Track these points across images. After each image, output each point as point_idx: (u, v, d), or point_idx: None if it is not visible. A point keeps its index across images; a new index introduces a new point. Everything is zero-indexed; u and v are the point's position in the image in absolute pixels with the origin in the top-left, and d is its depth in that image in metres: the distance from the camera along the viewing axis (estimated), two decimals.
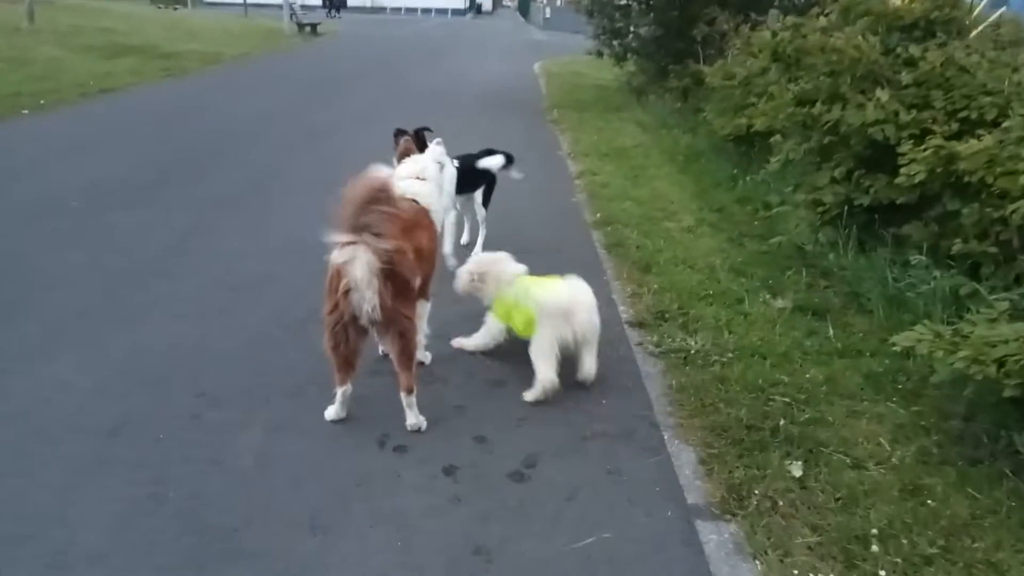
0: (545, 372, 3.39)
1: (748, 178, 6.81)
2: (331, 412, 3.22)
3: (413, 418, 3.16)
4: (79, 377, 3.43)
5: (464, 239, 5.53)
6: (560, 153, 8.83)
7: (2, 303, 4.14)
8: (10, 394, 3.27)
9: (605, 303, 4.42)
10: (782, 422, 3.23)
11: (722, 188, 6.95)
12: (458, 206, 5.28)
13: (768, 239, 5.39)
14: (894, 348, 3.22)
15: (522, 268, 3.82)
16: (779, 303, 4.43)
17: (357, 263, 2.77)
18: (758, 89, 7.22)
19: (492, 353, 3.83)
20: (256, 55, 18.93)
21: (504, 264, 3.82)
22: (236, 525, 2.59)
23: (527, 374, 3.60)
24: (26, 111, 10.03)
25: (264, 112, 10.87)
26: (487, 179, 5.38)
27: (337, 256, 2.78)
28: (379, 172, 2.80)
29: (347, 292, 2.87)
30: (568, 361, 3.52)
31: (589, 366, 3.52)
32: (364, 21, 35.24)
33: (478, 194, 5.35)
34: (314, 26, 25.27)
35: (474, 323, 4.13)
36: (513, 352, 3.81)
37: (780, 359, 3.78)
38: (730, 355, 3.82)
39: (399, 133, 5.02)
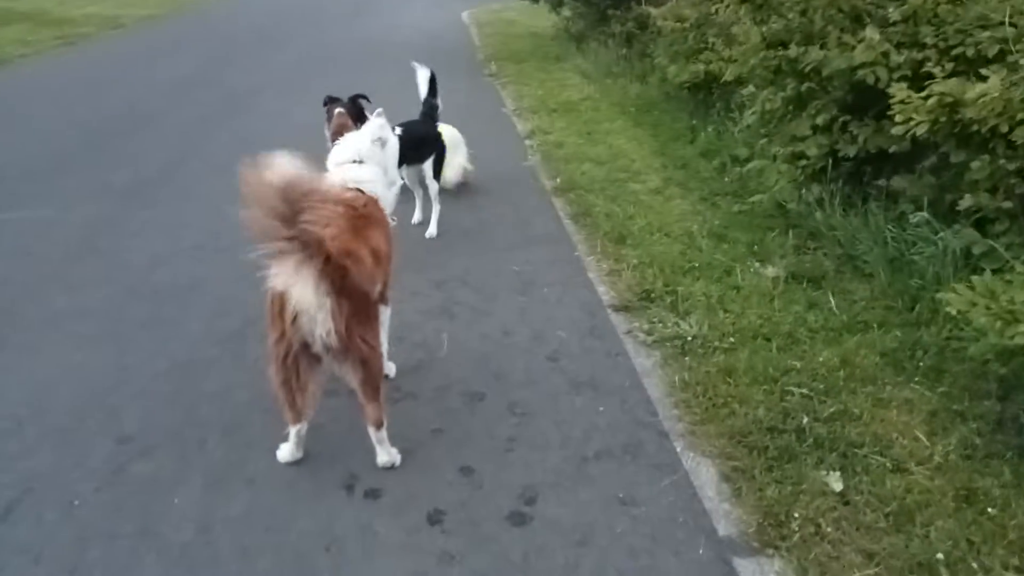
0: None
1: (710, 129, 6.37)
2: (284, 453, 2.69)
3: (385, 455, 2.65)
4: None
5: (415, 218, 4.95)
6: (504, 110, 8.24)
7: None
8: None
9: (581, 285, 3.99)
10: (806, 420, 2.84)
11: (682, 141, 6.50)
12: (403, 178, 4.69)
13: (744, 197, 4.98)
14: (904, 317, 2.85)
15: None
16: (770, 271, 4.03)
17: (301, 282, 2.21)
18: (714, 31, 6.78)
19: (466, 360, 3.34)
20: (164, 17, 17.55)
21: None
22: None
23: (509, 383, 3.14)
24: None
25: (175, 82, 9.88)
26: (436, 148, 4.79)
27: (275, 275, 2.22)
28: (284, 161, 2.17)
29: (295, 317, 2.33)
30: (567, 372, 3.06)
31: None
32: None
33: (427, 165, 4.74)
34: None
35: (438, 318, 3.63)
36: (490, 359, 3.34)
37: (786, 340, 3.39)
38: (731, 340, 3.41)
39: (330, 101, 4.39)
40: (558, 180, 5.69)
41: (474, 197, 5.43)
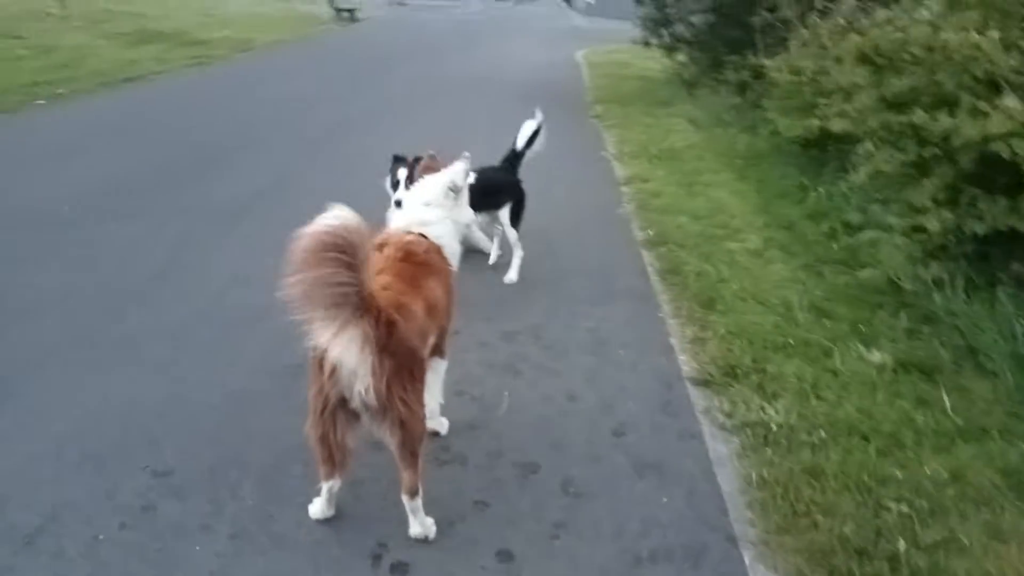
0: None
1: (821, 189, 5.94)
2: (315, 509, 2.52)
3: (418, 527, 2.44)
4: (9, 449, 2.78)
5: (492, 259, 4.78)
6: (604, 154, 8.03)
7: None
8: None
9: (660, 350, 3.69)
10: (903, 545, 2.44)
11: (789, 200, 6.08)
12: (476, 227, 4.53)
13: (853, 268, 4.55)
14: None
15: None
16: (876, 357, 3.61)
17: (345, 340, 2.05)
18: (830, 86, 6.36)
19: (524, 424, 3.10)
20: (290, 42, 18.35)
21: None
22: None
23: (567, 456, 2.88)
24: (42, 101, 9.53)
25: (291, 103, 10.21)
26: (513, 195, 4.60)
27: (319, 331, 2.06)
28: (340, 214, 2.03)
29: (333, 371, 2.17)
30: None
31: None
32: (404, 6, 34.47)
33: (503, 213, 4.56)
34: (352, 11, 24.59)
35: (502, 374, 3.42)
36: (550, 425, 3.09)
37: (887, 442, 2.98)
38: (822, 434, 3.03)
39: (398, 161, 4.22)
40: (650, 232, 5.41)
41: (558, 243, 5.21)
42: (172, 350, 3.56)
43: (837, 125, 5.10)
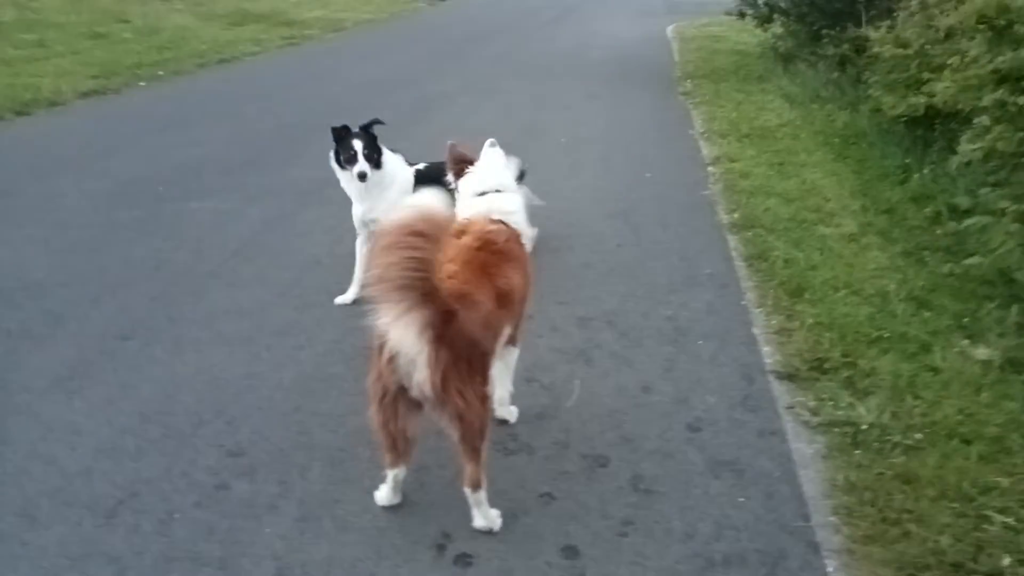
0: None
1: (926, 170, 5.53)
2: (381, 496, 2.51)
3: (482, 519, 2.39)
4: (94, 424, 2.89)
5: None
6: (692, 132, 7.74)
7: (47, 318, 3.69)
8: (9, 447, 2.75)
9: (742, 341, 3.51)
10: (1007, 561, 2.23)
11: (891, 182, 5.70)
12: None
13: (959, 257, 4.21)
14: None
15: None
16: (981, 353, 3.33)
17: (403, 326, 2.01)
18: (939, 61, 5.90)
19: (594, 415, 3.01)
20: (380, 21, 18.57)
21: None
22: None
23: (638, 451, 2.78)
24: (143, 83, 9.96)
25: (378, 82, 10.31)
26: None
27: (380, 316, 2.03)
28: (424, 200, 2.01)
29: (391, 358, 2.13)
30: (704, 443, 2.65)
31: None
32: None
33: None
34: None
35: (574, 362, 3.32)
36: (622, 418, 2.98)
37: (992, 447, 2.74)
38: (918, 436, 2.81)
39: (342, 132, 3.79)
40: (736, 215, 5.17)
41: (637, 225, 5.05)
42: (249, 330, 3.63)
43: (942, 96, 4.72)
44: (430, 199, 2.06)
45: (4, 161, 6.50)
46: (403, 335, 2.03)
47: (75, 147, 6.94)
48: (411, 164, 4.01)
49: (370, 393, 2.26)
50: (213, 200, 5.43)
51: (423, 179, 3.92)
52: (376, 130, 3.81)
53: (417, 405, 2.25)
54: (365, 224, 3.88)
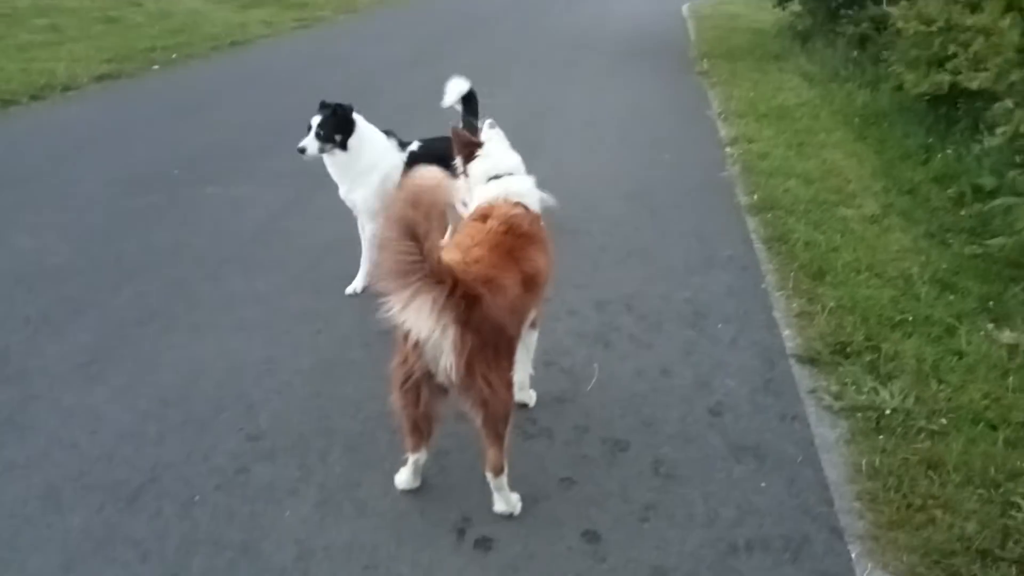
0: None
1: (949, 150, 5.45)
2: (401, 479, 2.51)
3: (502, 504, 2.39)
4: (115, 410, 2.90)
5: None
6: (709, 113, 7.65)
7: (65, 304, 3.70)
8: (31, 432, 2.77)
9: (763, 325, 3.47)
10: None
11: (912, 162, 5.62)
12: None
13: (984, 238, 4.15)
14: None
15: None
16: (1007, 337, 3.28)
17: (415, 311, 1.99)
18: (965, 38, 5.78)
19: (614, 399, 2.99)
20: (393, 1, 18.43)
21: None
22: None
23: (658, 435, 2.76)
24: (156, 66, 9.95)
25: (391, 63, 10.25)
26: None
27: (395, 301, 2.01)
28: (421, 177, 1.98)
29: (418, 344, 2.12)
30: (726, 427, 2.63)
31: None
32: None
33: None
34: None
35: (592, 345, 3.30)
36: (641, 402, 2.96)
37: (1018, 432, 2.70)
38: (943, 421, 2.77)
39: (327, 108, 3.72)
40: (755, 196, 5.11)
41: (655, 208, 5.01)
42: (267, 315, 3.63)
43: (977, 82, 4.62)
44: (423, 175, 2.00)
45: (21, 147, 6.52)
46: (416, 319, 2.00)
47: (90, 132, 6.95)
48: (404, 144, 3.92)
49: (393, 377, 2.25)
50: (229, 185, 5.43)
51: (420, 160, 3.87)
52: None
53: (442, 390, 2.23)
54: (350, 206, 3.87)
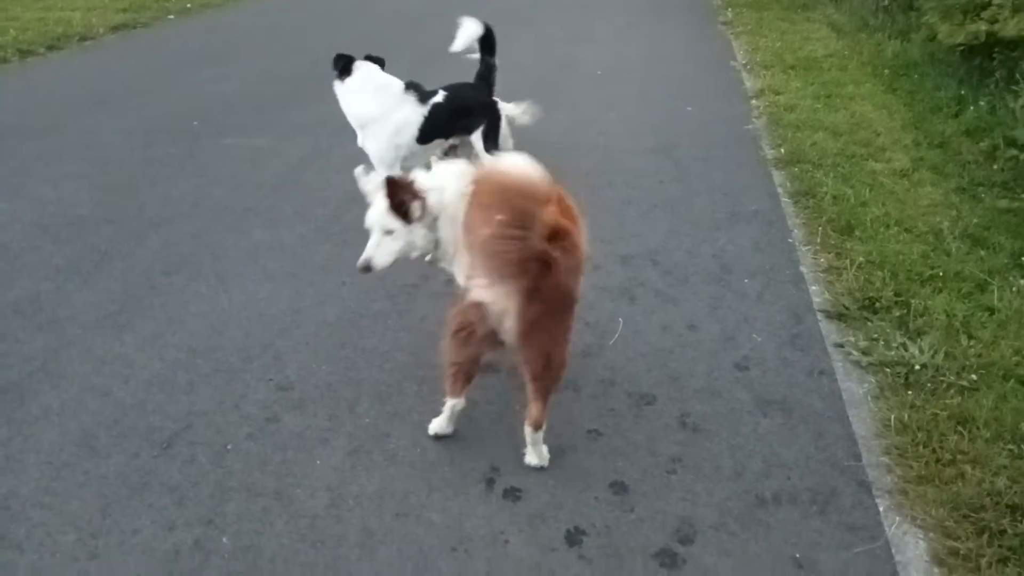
0: None
1: (982, 102, 5.31)
2: (436, 426, 2.53)
3: (534, 457, 2.40)
4: (145, 358, 2.93)
5: None
6: (733, 64, 7.49)
7: (92, 255, 3.73)
8: (64, 380, 2.81)
9: (790, 280, 3.45)
10: None
11: (944, 114, 5.49)
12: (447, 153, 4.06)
13: (1016, 192, 4.07)
14: None
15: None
16: None
17: (496, 291, 2.03)
18: None
19: (639, 354, 2.98)
20: None
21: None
22: None
23: (685, 389, 2.76)
24: (172, 16, 9.85)
25: (410, 14, 10.09)
26: (487, 115, 3.98)
27: (484, 285, 2.03)
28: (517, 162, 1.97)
29: (482, 305, 2.10)
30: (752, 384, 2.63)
31: None
32: None
33: (476, 137, 3.99)
34: None
35: (617, 299, 3.29)
36: (668, 356, 2.96)
37: None
38: (973, 377, 2.75)
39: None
40: (782, 150, 5.02)
41: (680, 161, 4.93)
42: (292, 266, 3.63)
43: (1014, 27, 4.48)
44: (523, 162, 1.98)
45: (41, 97, 6.51)
46: (496, 298, 2.02)
47: (109, 83, 6.91)
48: (428, 95, 3.90)
49: (451, 323, 2.22)
50: (248, 136, 5.40)
51: (446, 112, 3.87)
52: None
53: (499, 343, 2.21)
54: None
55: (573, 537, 2.17)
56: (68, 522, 2.20)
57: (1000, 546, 2.09)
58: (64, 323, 3.16)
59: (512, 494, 2.33)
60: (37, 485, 2.33)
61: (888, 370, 2.83)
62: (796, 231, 3.95)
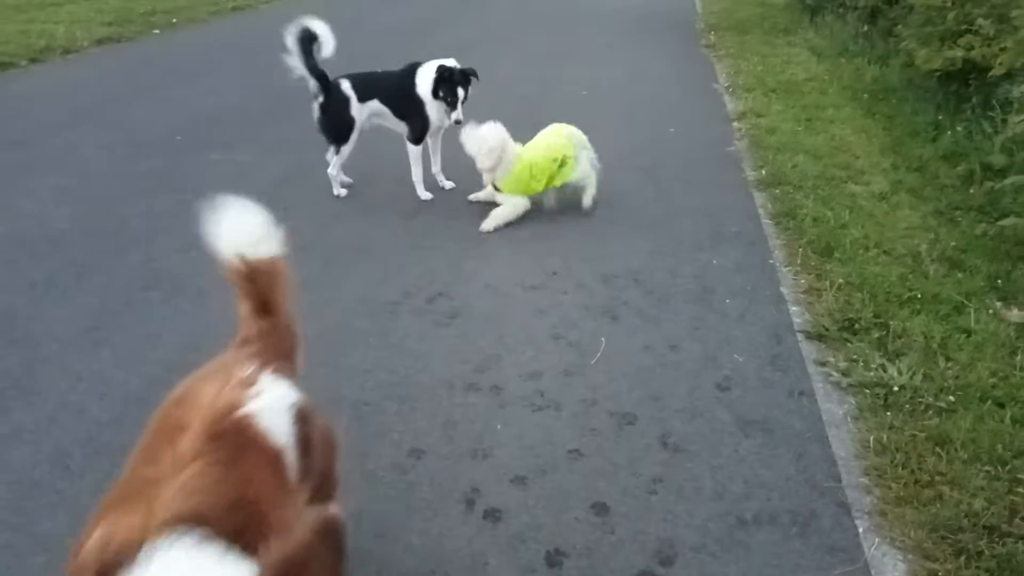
0: None
1: (959, 127, 5.39)
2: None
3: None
4: (122, 375, 2.90)
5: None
6: (716, 86, 7.57)
7: (70, 269, 3.69)
8: (38, 396, 2.77)
9: (771, 300, 3.47)
10: None
11: (922, 139, 5.56)
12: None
13: (993, 217, 4.12)
14: None
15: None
16: (1015, 315, 3.28)
17: None
18: (983, 11, 5.70)
19: (621, 373, 2.98)
20: None
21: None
22: None
23: (666, 409, 2.76)
24: (157, 31, 9.83)
25: (394, 31, 10.12)
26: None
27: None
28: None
29: None
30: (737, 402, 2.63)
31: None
32: None
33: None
34: None
35: (599, 319, 3.29)
36: (649, 376, 2.96)
37: None
38: (950, 398, 2.77)
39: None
40: (763, 171, 5.07)
41: (662, 182, 4.97)
42: None
43: (1000, 65, 4.56)
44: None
45: (22, 110, 6.46)
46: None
47: (91, 96, 6.87)
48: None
49: None
50: (232, 151, 5.38)
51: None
52: None
53: None
54: None
55: (553, 559, 2.16)
56: (38, 543, 2.15)
57: (978, 567, 2.10)
58: (39, 338, 3.12)
59: (492, 515, 2.31)
60: (6, 504, 2.28)
61: (867, 391, 2.85)
62: (777, 252, 3.98)
